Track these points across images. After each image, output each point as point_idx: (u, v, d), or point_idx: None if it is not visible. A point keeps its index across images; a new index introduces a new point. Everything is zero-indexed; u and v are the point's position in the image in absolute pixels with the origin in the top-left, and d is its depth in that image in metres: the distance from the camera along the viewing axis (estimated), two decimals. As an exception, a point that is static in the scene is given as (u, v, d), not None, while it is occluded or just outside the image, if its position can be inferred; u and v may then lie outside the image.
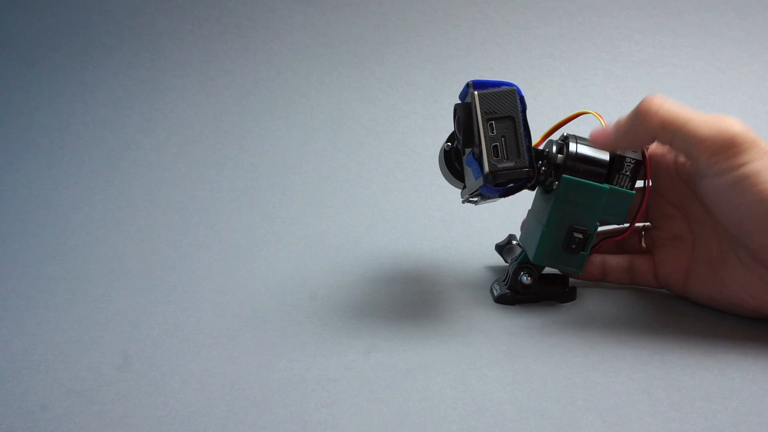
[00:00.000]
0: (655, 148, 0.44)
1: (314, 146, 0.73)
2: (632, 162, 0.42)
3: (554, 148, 0.42)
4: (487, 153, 0.40)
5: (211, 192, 0.67)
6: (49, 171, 0.70)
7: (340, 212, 0.63)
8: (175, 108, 0.78)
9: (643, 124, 0.39)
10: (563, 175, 0.42)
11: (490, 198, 0.44)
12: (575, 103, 0.77)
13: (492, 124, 0.40)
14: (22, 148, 0.74)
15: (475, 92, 0.40)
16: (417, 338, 0.42)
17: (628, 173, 0.42)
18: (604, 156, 0.42)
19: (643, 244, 0.48)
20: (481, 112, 0.40)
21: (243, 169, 0.70)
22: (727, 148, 0.38)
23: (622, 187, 0.42)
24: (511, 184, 0.41)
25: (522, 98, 0.41)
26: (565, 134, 0.43)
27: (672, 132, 0.39)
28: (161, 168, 0.71)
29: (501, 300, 0.46)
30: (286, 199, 0.65)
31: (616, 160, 0.42)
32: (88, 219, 0.62)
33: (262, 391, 0.37)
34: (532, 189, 0.45)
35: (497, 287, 0.47)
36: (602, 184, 0.42)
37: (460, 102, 0.43)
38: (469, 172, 0.44)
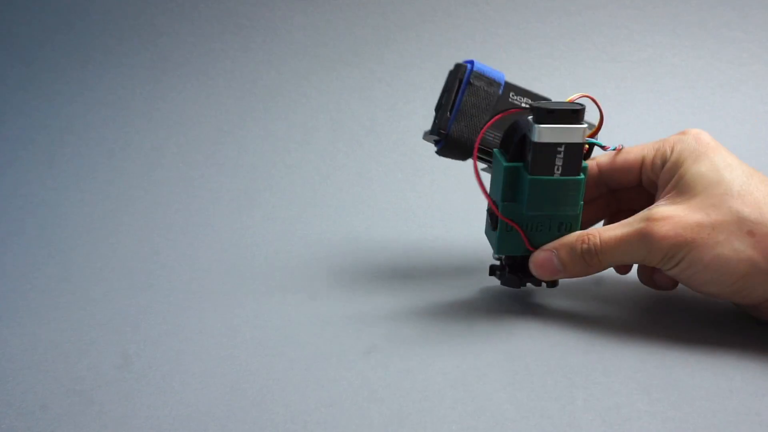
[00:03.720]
0: (604, 161, 0.44)
1: (314, 146, 0.73)
2: (530, 144, 0.39)
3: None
4: (434, 118, 0.47)
5: (211, 192, 0.67)
6: (49, 171, 0.70)
7: (340, 212, 0.63)
8: (175, 108, 0.78)
9: (589, 268, 0.41)
10: (494, 149, 0.44)
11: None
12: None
13: (444, 95, 0.46)
14: (22, 148, 0.74)
15: (450, 70, 0.47)
16: (417, 338, 0.42)
17: (528, 154, 0.40)
18: (520, 133, 0.40)
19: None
20: (445, 85, 0.47)
21: (243, 169, 0.70)
22: (660, 259, 0.39)
23: (526, 168, 0.40)
24: (438, 144, 0.46)
25: (473, 72, 0.44)
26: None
27: (620, 263, 0.42)
28: (161, 168, 0.71)
29: (489, 271, 0.46)
30: (286, 199, 0.65)
31: (526, 141, 0.40)
32: (88, 219, 0.62)
33: (262, 391, 0.37)
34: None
35: None
36: (509, 161, 0.41)
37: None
38: None
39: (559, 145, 0.39)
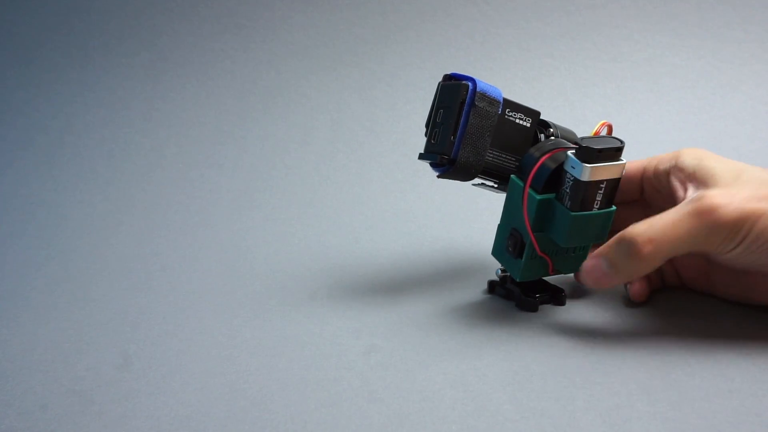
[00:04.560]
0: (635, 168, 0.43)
1: (314, 146, 0.73)
2: (571, 179, 0.39)
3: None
4: (427, 137, 0.44)
5: (211, 192, 0.67)
6: (49, 171, 0.70)
7: (340, 212, 0.63)
8: (175, 108, 0.78)
9: (641, 264, 0.38)
10: (511, 175, 0.42)
11: (482, 186, 0.46)
12: (575, 103, 0.77)
13: (440, 112, 0.43)
14: (22, 148, 0.74)
15: (440, 83, 0.44)
16: (417, 338, 0.42)
17: (567, 190, 0.40)
18: (551, 165, 0.40)
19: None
20: (437, 101, 0.44)
21: (243, 169, 0.70)
22: (724, 236, 0.37)
23: (564, 204, 0.40)
24: (442, 168, 0.43)
25: (476, 93, 0.41)
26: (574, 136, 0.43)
27: (674, 255, 0.39)
28: (161, 168, 0.71)
29: (488, 287, 0.46)
30: (286, 199, 0.65)
31: (563, 172, 0.40)
32: (88, 219, 0.62)
33: (262, 391, 0.37)
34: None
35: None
36: (541, 193, 0.40)
37: None
38: None
39: (602, 181, 0.39)
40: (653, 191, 0.43)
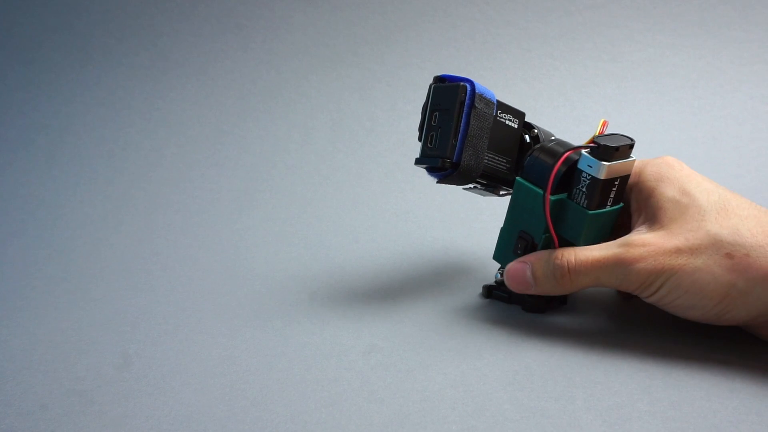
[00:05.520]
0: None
1: (314, 146, 0.73)
2: (588, 178, 0.39)
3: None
4: (423, 141, 0.42)
5: (211, 192, 0.67)
6: (49, 171, 0.70)
7: (340, 212, 0.63)
8: (175, 108, 0.78)
9: (560, 287, 0.40)
10: (517, 177, 0.42)
11: (475, 191, 0.46)
12: (575, 102, 0.77)
13: (436, 115, 0.42)
14: (22, 148, 0.74)
15: (432, 85, 0.42)
16: (417, 338, 0.42)
17: (583, 189, 0.40)
18: (562, 167, 0.40)
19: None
20: (431, 104, 0.42)
21: (243, 169, 0.70)
22: (636, 287, 0.38)
23: (578, 203, 0.40)
24: (441, 172, 0.42)
25: (475, 95, 0.41)
26: (554, 137, 0.43)
27: (593, 286, 0.40)
28: (161, 168, 0.71)
29: (483, 292, 0.46)
30: (286, 199, 0.65)
31: (576, 172, 0.40)
32: (88, 219, 0.62)
33: (262, 391, 0.37)
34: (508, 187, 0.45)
35: None
36: (552, 194, 0.40)
37: None
38: None
39: (616, 179, 0.39)
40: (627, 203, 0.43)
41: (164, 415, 0.35)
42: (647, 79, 0.77)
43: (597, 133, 0.40)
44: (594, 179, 0.39)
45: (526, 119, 0.44)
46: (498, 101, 0.43)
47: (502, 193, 0.46)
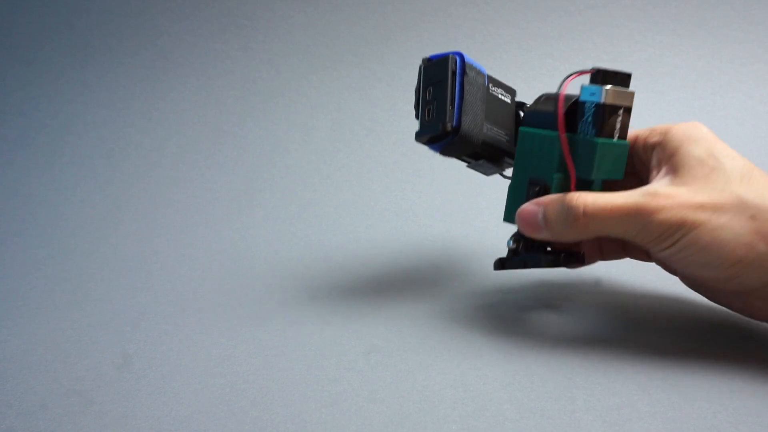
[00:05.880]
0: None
1: (314, 146, 0.73)
2: (592, 106, 0.39)
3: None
4: (421, 115, 0.43)
5: (211, 192, 0.67)
6: (49, 171, 0.70)
7: (340, 212, 0.63)
8: (175, 108, 0.78)
9: (572, 231, 0.38)
10: (520, 127, 0.42)
11: (468, 163, 0.45)
12: (575, 103, 0.77)
13: (430, 90, 0.42)
14: (22, 148, 0.74)
15: (421, 66, 0.43)
16: (417, 338, 0.42)
17: (589, 119, 0.39)
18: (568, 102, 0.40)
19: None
20: (423, 82, 0.43)
21: (243, 169, 0.70)
22: (653, 238, 0.37)
23: (586, 134, 0.39)
24: (442, 141, 0.42)
25: (465, 64, 0.41)
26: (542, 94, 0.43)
27: (606, 235, 0.39)
28: (161, 168, 0.71)
29: (496, 265, 0.43)
30: (286, 199, 0.65)
31: (578, 106, 0.40)
32: (88, 219, 0.62)
33: (262, 391, 0.37)
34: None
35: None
36: (553, 132, 0.40)
37: None
38: None
39: (619, 107, 0.39)
40: (640, 163, 0.43)
41: (164, 415, 0.35)
42: (647, 79, 0.77)
43: (561, 89, 0.40)
44: (599, 105, 0.39)
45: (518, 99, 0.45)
46: (488, 75, 0.43)
47: (506, 170, 0.46)
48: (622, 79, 0.39)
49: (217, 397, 0.36)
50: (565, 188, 0.40)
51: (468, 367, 0.38)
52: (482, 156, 0.44)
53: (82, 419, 0.35)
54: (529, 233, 0.40)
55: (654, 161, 0.41)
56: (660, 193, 0.37)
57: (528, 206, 0.40)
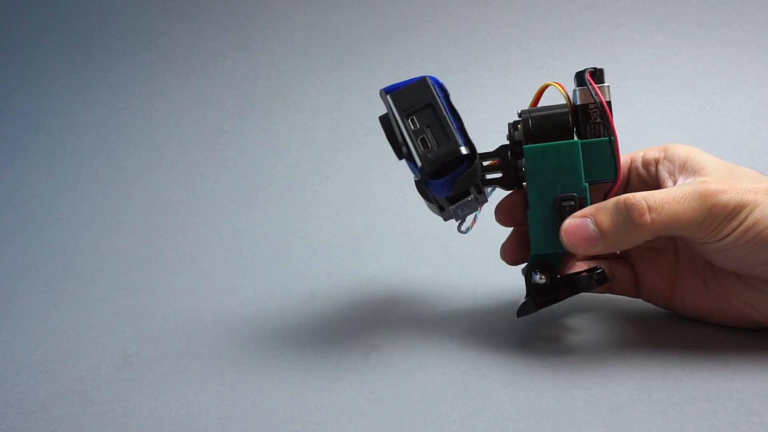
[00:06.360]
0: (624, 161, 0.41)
1: (314, 146, 0.73)
2: (598, 105, 0.38)
3: (511, 130, 0.40)
4: (415, 147, 0.37)
5: (211, 192, 0.67)
6: (49, 171, 0.70)
7: (340, 212, 0.63)
8: (175, 108, 0.78)
9: (636, 232, 0.36)
10: (524, 146, 0.38)
11: (461, 208, 0.40)
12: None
13: (413, 119, 0.37)
14: (22, 148, 0.74)
15: (387, 96, 0.38)
16: (417, 338, 0.42)
17: (598, 120, 0.38)
18: (563, 111, 0.39)
19: (618, 251, 0.43)
20: (398, 111, 0.38)
21: (243, 169, 0.70)
22: (721, 220, 0.36)
23: (597, 136, 0.38)
24: (454, 172, 0.37)
25: (440, 85, 0.38)
26: (519, 111, 0.40)
27: (667, 231, 0.36)
28: (161, 168, 0.71)
29: (521, 312, 0.39)
30: (286, 199, 0.65)
31: (580, 110, 0.38)
32: (88, 219, 0.62)
33: (262, 391, 0.37)
34: (511, 186, 0.41)
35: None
36: (569, 140, 0.38)
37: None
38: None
39: (609, 103, 0.38)
40: (639, 182, 0.42)
41: (164, 415, 0.35)
42: (647, 79, 0.77)
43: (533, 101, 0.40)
44: (602, 104, 0.38)
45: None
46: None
47: (480, 207, 0.41)
48: (601, 74, 0.39)
49: (217, 397, 0.36)
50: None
51: (468, 367, 0.38)
52: (480, 186, 0.40)
53: (82, 419, 0.35)
54: (583, 249, 0.36)
55: (664, 173, 0.40)
56: (710, 181, 0.36)
57: (572, 221, 0.37)
